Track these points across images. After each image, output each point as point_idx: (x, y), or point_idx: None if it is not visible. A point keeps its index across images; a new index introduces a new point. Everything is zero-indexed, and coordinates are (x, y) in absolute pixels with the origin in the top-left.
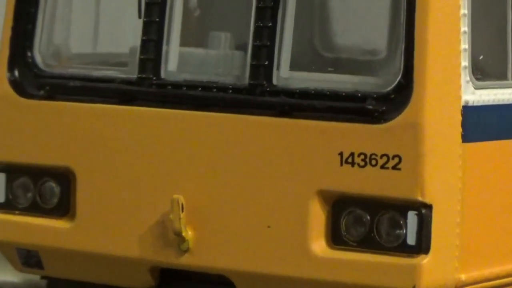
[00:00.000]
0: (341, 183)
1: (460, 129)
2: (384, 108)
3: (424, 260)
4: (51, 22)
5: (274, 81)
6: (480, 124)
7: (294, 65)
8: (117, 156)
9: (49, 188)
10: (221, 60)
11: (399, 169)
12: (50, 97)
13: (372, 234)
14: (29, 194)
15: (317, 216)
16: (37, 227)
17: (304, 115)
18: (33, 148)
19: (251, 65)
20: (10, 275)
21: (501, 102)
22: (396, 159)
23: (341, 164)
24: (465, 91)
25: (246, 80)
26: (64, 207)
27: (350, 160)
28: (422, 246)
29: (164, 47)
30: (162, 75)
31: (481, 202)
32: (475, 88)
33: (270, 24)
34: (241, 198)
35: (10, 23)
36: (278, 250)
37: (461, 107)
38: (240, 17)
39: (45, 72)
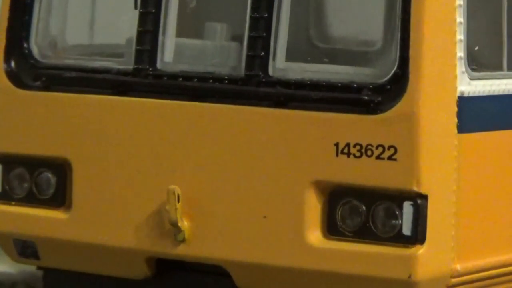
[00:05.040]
0: (336, 174)
1: (456, 120)
2: (379, 98)
3: (420, 251)
4: (48, 13)
5: (270, 72)
6: (475, 114)
7: (290, 56)
8: (113, 146)
9: (45, 179)
10: (217, 51)
11: (394, 159)
12: (46, 88)
13: (368, 225)
14: (26, 185)
15: (313, 206)
16: (33, 217)
17: (300, 105)
18: (29, 139)
19: (247, 56)
20: (6, 265)
21: (496, 93)
22: (392, 150)
23: (337, 155)
24: (460, 82)
25: (242, 71)
26: (60, 198)
27: (345, 150)
28: (418, 236)
29: (160, 38)
30: (158, 66)
31: (476, 192)
32: (471, 79)
33: (266, 15)
34: (237, 188)
35: (6, 14)
36: (274, 240)
37: (457, 97)
38: (236, 8)
39: (41, 63)
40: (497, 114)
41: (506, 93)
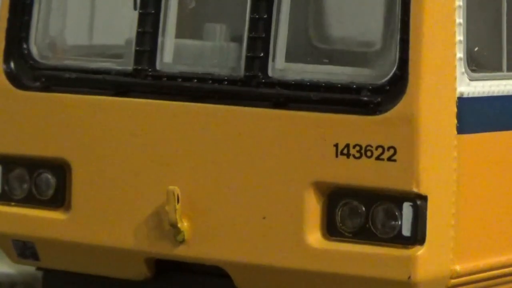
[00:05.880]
0: (336, 175)
1: (455, 121)
2: (379, 99)
3: (419, 251)
4: (47, 14)
5: (269, 73)
6: (475, 115)
7: (290, 57)
8: (113, 147)
9: (44, 180)
10: (216, 51)
11: (394, 160)
12: (45, 88)
13: (367, 225)
14: (25, 186)
15: (313, 207)
16: (32, 218)
17: (299, 106)
18: (29, 140)
19: (247, 57)
20: (5, 266)
21: (495, 94)
22: (391, 151)
23: (337, 156)
24: (460, 82)
25: (241, 72)
26: (59, 199)
27: (345, 151)
28: (417, 237)
29: (160, 39)
30: (158, 66)
31: (476, 193)
32: (470, 80)
33: (265, 16)
34: (237, 189)
35: (6, 15)
36: (274, 241)
37: (456, 98)
38: (235, 8)
39: (41, 64)
40: (497, 115)
41: (505, 94)
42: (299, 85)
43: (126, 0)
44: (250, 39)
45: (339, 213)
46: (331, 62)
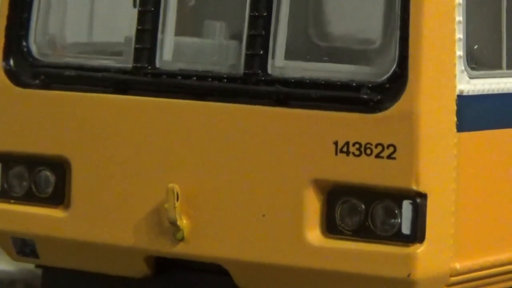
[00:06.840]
0: (336, 172)
1: (455, 118)
2: (379, 97)
3: (419, 249)
4: (47, 11)
5: (269, 71)
6: (474, 113)
7: (289, 55)
8: (112, 145)
9: (44, 177)
10: (216, 49)
11: (394, 158)
12: (45, 86)
13: (367, 223)
14: (24, 183)
15: (312, 205)
16: (32, 216)
17: (299, 104)
18: (28, 137)
19: (246, 55)
20: (5, 263)
21: (495, 92)
22: (391, 148)
23: (336, 153)
24: (460, 80)
25: (241, 70)
26: (59, 196)
27: (345, 149)
28: (417, 235)
29: (159, 36)
30: (157, 64)
31: (475, 191)
32: (470, 78)
33: (265, 14)
34: (236, 187)
35: (5, 12)
36: (273, 239)
37: (456, 96)
38: (235, 6)
39: (40, 62)
40: (496, 113)
41: (505, 91)
42: (299, 83)
43: None
44: (249, 36)
45: (339, 210)
46: (331, 60)
